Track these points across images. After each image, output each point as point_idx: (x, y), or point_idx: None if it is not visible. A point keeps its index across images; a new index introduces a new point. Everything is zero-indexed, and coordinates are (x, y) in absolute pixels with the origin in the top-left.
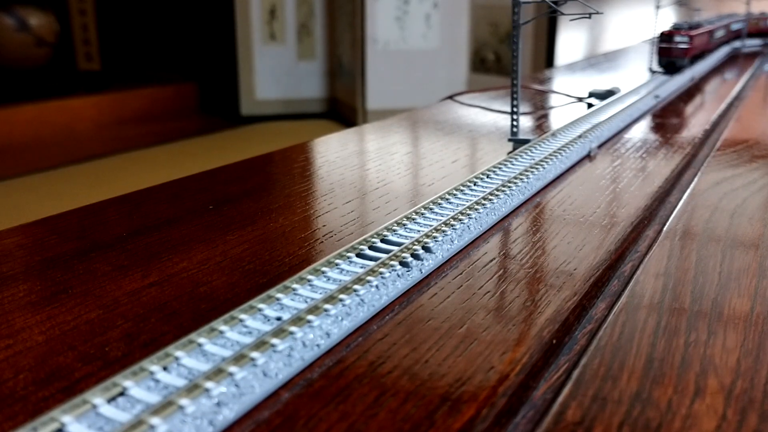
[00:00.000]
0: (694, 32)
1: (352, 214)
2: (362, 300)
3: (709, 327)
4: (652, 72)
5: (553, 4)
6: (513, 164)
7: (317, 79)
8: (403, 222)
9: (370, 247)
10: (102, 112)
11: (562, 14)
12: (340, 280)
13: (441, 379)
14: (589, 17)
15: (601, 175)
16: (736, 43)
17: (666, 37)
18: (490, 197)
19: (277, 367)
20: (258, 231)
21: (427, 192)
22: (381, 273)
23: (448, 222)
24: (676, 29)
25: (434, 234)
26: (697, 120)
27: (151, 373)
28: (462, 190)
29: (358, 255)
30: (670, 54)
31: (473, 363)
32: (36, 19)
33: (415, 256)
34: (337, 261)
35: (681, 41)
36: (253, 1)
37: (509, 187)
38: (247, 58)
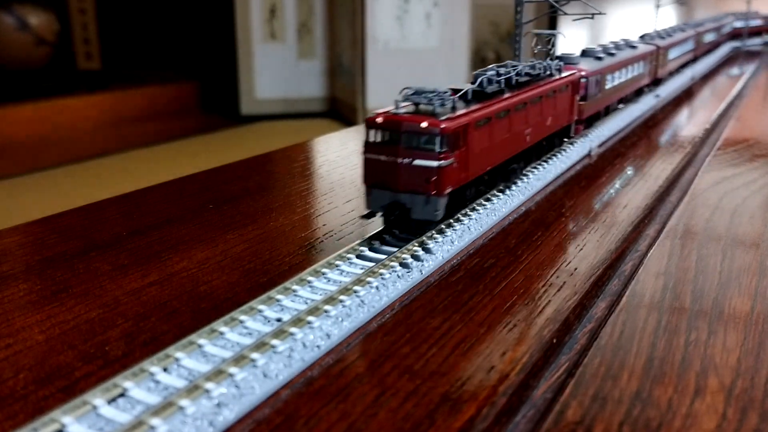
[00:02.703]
0: (471, 113)
1: (352, 214)
2: (362, 301)
3: (709, 326)
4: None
5: (555, 3)
6: None
7: (317, 78)
8: None
9: (370, 248)
10: (102, 112)
11: (565, 14)
12: (340, 282)
13: (441, 378)
14: (592, 17)
15: (601, 174)
16: (736, 43)
17: (383, 130)
18: (491, 197)
19: (278, 368)
20: (258, 230)
21: None
22: (381, 274)
23: (448, 223)
24: (425, 112)
25: (434, 235)
26: (698, 119)
27: (152, 374)
28: None
29: (358, 256)
30: (395, 182)
31: (473, 362)
32: (36, 18)
33: (415, 257)
34: (337, 262)
35: (425, 149)
36: None
37: (509, 187)
38: (247, 57)
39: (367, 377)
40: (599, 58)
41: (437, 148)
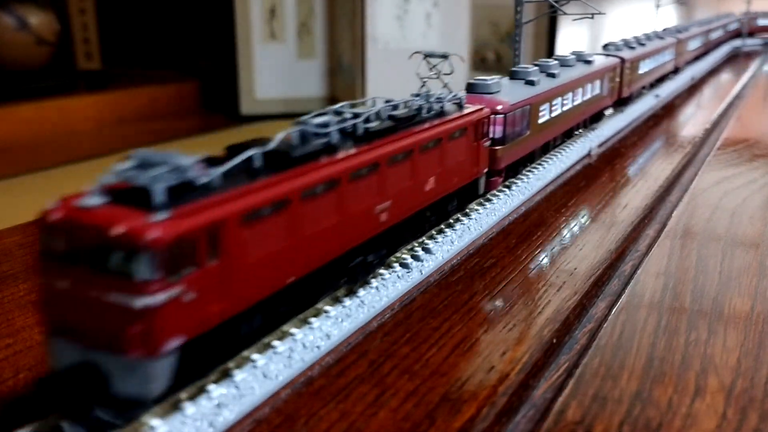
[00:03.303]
0: (238, 197)
1: None
2: (362, 301)
3: (709, 326)
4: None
5: (554, 3)
6: None
7: (317, 77)
8: None
9: None
10: (102, 111)
11: (565, 14)
12: None
13: (441, 378)
14: (592, 17)
15: (601, 174)
16: (736, 42)
17: (62, 235)
18: (490, 197)
19: (277, 368)
20: None
21: None
22: (381, 274)
23: (448, 223)
24: (139, 201)
25: (434, 235)
26: (698, 119)
27: None
28: None
29: None
30: (83, 330)
31: (473, 362)
32: (36, 17)
33: (415, 258)
34: None
35: (120, 275)
36: None
37: (509, 187)
38: (247, 57)
39: (367, 377)
40: (531, 82)
41: (141, 274)
